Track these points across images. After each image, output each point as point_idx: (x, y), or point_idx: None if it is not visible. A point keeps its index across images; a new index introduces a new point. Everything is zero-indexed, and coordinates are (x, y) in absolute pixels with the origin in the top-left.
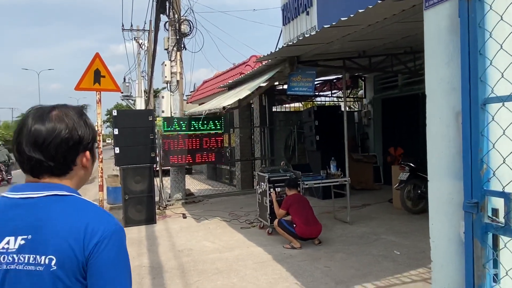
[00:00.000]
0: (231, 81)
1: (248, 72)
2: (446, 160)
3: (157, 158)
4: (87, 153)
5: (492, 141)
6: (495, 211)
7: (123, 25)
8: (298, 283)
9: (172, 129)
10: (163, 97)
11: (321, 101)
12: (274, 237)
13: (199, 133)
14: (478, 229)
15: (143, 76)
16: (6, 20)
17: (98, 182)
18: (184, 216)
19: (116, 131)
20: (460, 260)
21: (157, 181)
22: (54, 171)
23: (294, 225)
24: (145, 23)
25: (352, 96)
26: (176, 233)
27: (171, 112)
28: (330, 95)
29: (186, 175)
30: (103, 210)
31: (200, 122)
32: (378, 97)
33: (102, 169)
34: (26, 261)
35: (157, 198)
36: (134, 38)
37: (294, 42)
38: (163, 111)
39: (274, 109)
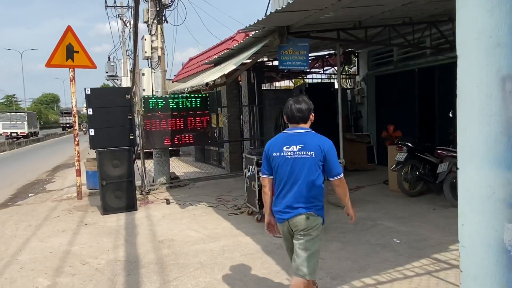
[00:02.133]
0: (216, 57)
1: (234, 45)
2: (486, 141)
3: (138, 140)
4: (312, 114)
5: None
6: None
7: (106, 2)
8: (290, 279)
9: (153, 108)
10: (143, 74)
11: (312, 78)
12: (263, 224)
13: (183, 113)
14: None
15: (128, 55)
16: None
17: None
18: (168, 202)
19: (90, 111)
20: (502, 274)
21: (138, 164)
22: (304, 121)
23: None
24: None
25: (344, 73)
26: (158, 221)
27: (152, 91)
28: (322, 72)
29: (174, 157)
30: (324, 136)
31: (184, 101)
32: (372, 73)
33: (78, 153)
34: (302, 154)
35: (140, 183)
36: (118, 15)
37: (283, 6)
38: (144, 90)
39: (263, 87)
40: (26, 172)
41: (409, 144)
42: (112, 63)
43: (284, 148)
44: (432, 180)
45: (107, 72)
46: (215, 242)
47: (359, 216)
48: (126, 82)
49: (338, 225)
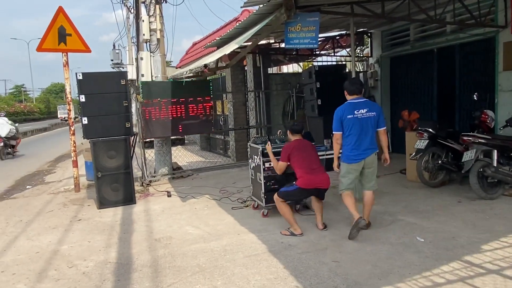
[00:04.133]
0: (218, 38)
1: (237, 24)
2: None
3: (136, 129)
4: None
5: None
6: None
7: None
8: (300, 287)
9: (152, 94)
10: (141, 58)
11: (322, 61)
12: (270, 219)
13: (185, 99)
14: None
15: (133, 42)
16: None
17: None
18: (169, 194)
19: (82, 98)
20: None
21: (137, 154)
22: (361, 93)
23: (294, 182)
24: None
25: (356, 55)
26: (156, 216)
27: (151, 76)
28: (332, 54)
29: (178, 146)
30: (375, 103)
31: (185, 86)
32: (386, 55)
33: (75, 143)
34: (368, 115)
35: (140, 174)
36: (122, 1)
37: None
38: (142, 75)
39: (270, 71)
40: (28, 162)
41: (430, 130)
42: (117, 51)
43: (355, 112)
44: (456, 169)
45: (112, 60)
46: (216, 241)
47: (376, 211)
48: (131, 70)
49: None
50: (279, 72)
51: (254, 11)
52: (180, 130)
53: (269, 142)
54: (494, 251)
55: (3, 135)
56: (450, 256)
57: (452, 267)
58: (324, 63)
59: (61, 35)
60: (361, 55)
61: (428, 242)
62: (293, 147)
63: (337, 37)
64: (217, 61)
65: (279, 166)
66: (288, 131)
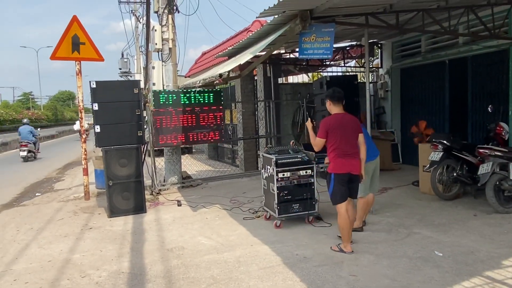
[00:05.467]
0: (230, 48)
1: (250, 35)
2: None
3: (148, 137)
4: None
5: None
6: None
7: None
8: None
9: (164, 104)
10: (153, 67)
11: (332, 71)
12: (283, 230)
13: (196, 109)
14: None
15: (141, 51)
16: None
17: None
18: (179, 204)
19: (95, 106)
20: None
21: (148, 162)
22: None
23: (327, 170)
24: None
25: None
26: (168, 226)
27: (163, 85)
28: (342, 65)
29: (186, 155)
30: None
31: (196, 95)
32: (397, 66)
33: (86, 151)
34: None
35: (150, 182)
36: (131, 11)
37: None
38: (154, 84)
39: (280, 81)
40: (37, 170)
41: (445, 142)
42: (125, 60)
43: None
44: (471, 182)
45: (120, 69)
46: (229, 252)
47: (390, 223)
48: (139, 78)
49: (368, 234)
50: (289, 82)
51: (267, 21)
52: (191, 139)
53: (310, 119)
54: None
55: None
56: (471, 272)
57: (473, 283)
58: (334, 74)
59: (75, 44)
60: (371, 66)
61: (447, 257)
62: (331, 121)
63: (348, 48)
64: (229, 71)
65: (316, 142)
66: (327, 100)
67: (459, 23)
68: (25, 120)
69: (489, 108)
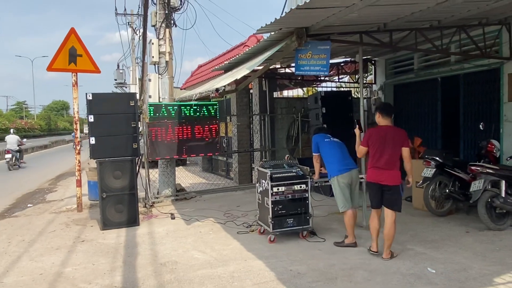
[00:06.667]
0: (227, 62)
1: (247, 50)
2: None
3: (143, 149)
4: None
5: None
6: None
7: (116, 9)
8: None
9: (159, 116)
10: (150, 80)
11: (327, 86)
12: (277, 245)
13: (191, 121)
14: None
15: (137, 63)
16: (1, 7)
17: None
18: (173, 217)
19: (91, 118)
20: None
21: (142, 174)
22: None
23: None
24: (139, 7)
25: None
26: (161, 239)
27: (159, 98)
28: (337, 81)
29: (180, 167)
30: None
31: (192, 108)
32: (390, 82)
33: (79, 162)
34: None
35: (143, 194)
36: (128, 23)
37: (306, 1)
38: (150, 96)
39: (275, 95)
40: (29, 180)
41: (437, 158)
42: (121, 71)
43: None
44: (463, 199)
45: (116, 80)
46: (223, 267)
47: (383, 239)
48: (134, 90)
49: (361, 249)
50: (284, 97)
51: (263, 37)
52: (186, 152)
53: (358, 125)
54: (507, 284)
55: (13, 148)
56: None
57: None
58: (328, 89)
59: (72, 55)
60: (365, 82)
61: (440, 274)
62: (373, 133)
63: (342, 64)
64: (225, 85)
65: (359, 149)
66: (377, 112)
67: (451, 42)
68: (12, 130)
69: (480, 126)
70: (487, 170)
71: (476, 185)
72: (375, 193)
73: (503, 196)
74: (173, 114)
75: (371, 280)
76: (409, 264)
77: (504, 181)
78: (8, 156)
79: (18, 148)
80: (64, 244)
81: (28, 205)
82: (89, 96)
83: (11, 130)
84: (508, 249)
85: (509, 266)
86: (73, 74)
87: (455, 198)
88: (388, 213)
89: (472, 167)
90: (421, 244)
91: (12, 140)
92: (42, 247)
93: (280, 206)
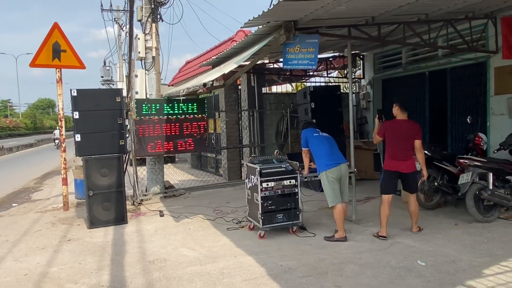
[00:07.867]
0: (215, 57)
1: (235, 44)
2: None
3: (130, 147)
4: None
5: None
6: None
7: (102, 5)
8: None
9: (147, 113)
10: (136, 76)
11: (315, 82)
12: (267, 241)
13: (179, 118)
14: None
15: (124, 60)
16: None
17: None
18: (161, 214)
19: (76, 115)
20: None
21: (129, 172)
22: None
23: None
24: (125, 3)
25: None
26: (150, 237)
27: (146, 94)
28: (325, 76)
29: (169, 164)
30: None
31: (179, 104)
32: (378, 77)
33: (65, 160)
34: (325, 134)
35: (131, 192)
36: (114, 19)
37: None
38: (137, 92)
39: (264, 90)
40: (14, 179)
41: (426, 152)
42: (107, 68)
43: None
44: (451, 192)
45: (102, 77)
46: (213, 263)
47: (373, 232)
48: (122, 87)
49: (351, 244)
50: (272, 92)
51: (251, 31)
52: (174, 149)
53: (378, 115)
54: (496, 275)
55: None
56: (453, 281)
57: None
58: (317, 84)
59: (56, 51)
60: (353, 77)
61: (429, 266)
62: (389, 126)
63: (330, 59)
64: (213, 80)
65: (375, 137)
66: (396, 105)
67: (438, 36)
68: None
69: (468, 119)
70: (475, 163)
71: (464, 178)
72: (393, 180)
73: (491, 188)
74: (160, 111)
75: (361, 274)
76: (399, 257)
77: (491, 174)
78: None
79: None
80: (50, 243)
81: (13, 204)
82: (74, 92)
83: None
84: (496, 241)
85: (498, 257)
86: (57, 70)
87: (444, 191)
88: (409, 195)
89: (460, 160)
90: (410, 238)
91: None
92: (27, 247)
93: (270, 202)
